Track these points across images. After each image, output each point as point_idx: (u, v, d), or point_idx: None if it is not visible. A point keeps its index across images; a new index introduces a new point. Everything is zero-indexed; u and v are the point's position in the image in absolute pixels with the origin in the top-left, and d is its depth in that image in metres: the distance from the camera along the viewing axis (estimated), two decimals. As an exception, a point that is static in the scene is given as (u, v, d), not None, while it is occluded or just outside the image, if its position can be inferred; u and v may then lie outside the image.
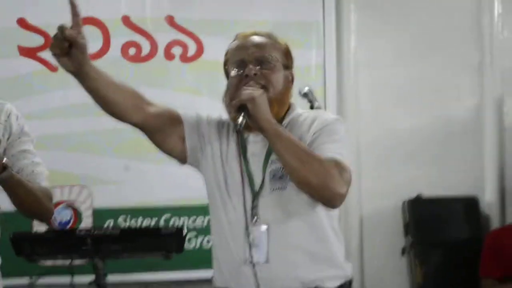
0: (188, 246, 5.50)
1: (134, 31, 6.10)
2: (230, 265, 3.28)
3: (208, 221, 5.83)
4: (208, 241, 5.97)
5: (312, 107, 4.56)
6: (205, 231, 6.00)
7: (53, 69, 5.86)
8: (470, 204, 6.49)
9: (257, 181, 3.26)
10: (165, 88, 6.04)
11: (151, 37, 6.10)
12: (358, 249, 6.19)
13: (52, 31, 5.93)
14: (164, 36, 6.12)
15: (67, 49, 3.08)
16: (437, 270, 6.19)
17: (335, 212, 3.32)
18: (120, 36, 6.07)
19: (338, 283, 3.27)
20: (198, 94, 6.09)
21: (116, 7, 6.08)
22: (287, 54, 3.41)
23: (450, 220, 6.41)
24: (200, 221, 5.95)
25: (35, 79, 5.77)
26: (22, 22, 5.91)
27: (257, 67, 3.25)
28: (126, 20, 6.08)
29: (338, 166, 3.12)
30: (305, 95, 4.61)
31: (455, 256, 6.29)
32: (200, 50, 6.16)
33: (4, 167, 3.34)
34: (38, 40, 5.92)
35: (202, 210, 5.80)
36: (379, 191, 6.26)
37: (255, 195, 3.25)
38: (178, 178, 5.79)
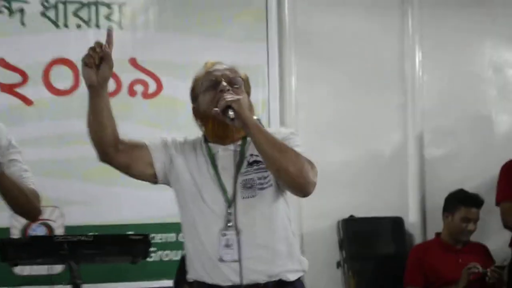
0: (149, 259, 5.44)
1: (101, 71, 6.09)
2: (205, 262, 3.31)
3: (166, 238, 5.97)
4: (166, 255, 6.00)
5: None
6: (164, 246, 5.99)
7: (29, 103, 5.89)
8: (396, 223, 6.56)
9: (229, 191, 3.28)
10: (128, 121, 5.87)
11: (116, 76, 5.96)
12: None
13: (29, 70, 6.00)
14: (127, 75, 6.07)
15: (98, 62, 3.14)
16: (368, 280, 6.26)
17: (292, 216, 3.40)
18: (88, 75, 6.05)
19: (298, 275, 3.34)
20: (157, 126, 6.04)
21: (85, 50, 6.03)
22: (246, 83, 3.45)
23: (379, 237, 6.49)
24: (158, 237, 5.91)
25: (12, 112, 5.73)
26: (1, 62, 5.88)
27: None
28: (95, 61, 6.08)
29: (308, 160, 3.19)
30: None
31: (384, 268, 6.34)
32: (159, 88, 6.16)
33: None
34: (17, 78, 5.90)
35: (161, 228, 5.91)
36: (318, 212, 6.17)
37: (230, 203, 3.27)
38: (140, 199, 5.85)
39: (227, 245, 3.24)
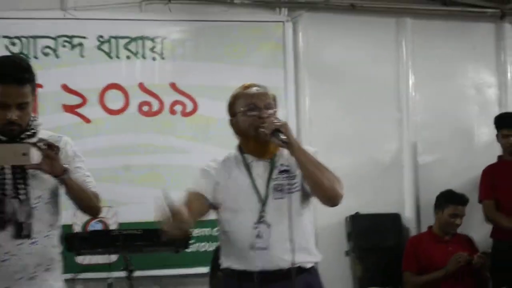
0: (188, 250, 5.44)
1: (147, 94, 6.08)
2: (238, 251, 3.33)
3: (202, 232, 5.94)
4: (202, 246, 6.01)
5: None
6: (200, 238, 5.97)
7: (87, 121, 5.94)
8: (394, 219, 6.51)
9: (262, 193, 3.32)
10: (170, 136, 6.08)
11: (160, 98, 6.08)
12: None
13: (87, 94, 5.99)
14: (168, 97, 6.10)
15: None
16: (372, 267, 6.23)
17: (312, 218, 3.43)
18: (136, 97, 6.05)
19: (312, 264, 3.37)
20: (194, 140, 6.09)
21: (134, 76, 6.08)
22: (275, 102, 3.45)
23: (380, 230, 6.42)
24: (196, 231, 5.81)
25: (74, 128, 5.69)
26: (64, 87, 5.90)
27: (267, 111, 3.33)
28: (141, 86, 6.06)
29: (337, 177, 3.26)
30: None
31: (384, 257, 6.28)
32: (195, 108, 6.13)
33: (65, 170, 3.34)
34: (77, 100, 5.93)
35: (198, 223, 5.75)
36: (329, 210, 6.06)
37: (263, 202, 3.31)
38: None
39: (258, 236, 3.27)
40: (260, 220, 3.29)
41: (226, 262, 3.42)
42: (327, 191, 3.22)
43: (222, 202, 3.39)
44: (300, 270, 3.30)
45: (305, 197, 3.37)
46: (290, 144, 3.19)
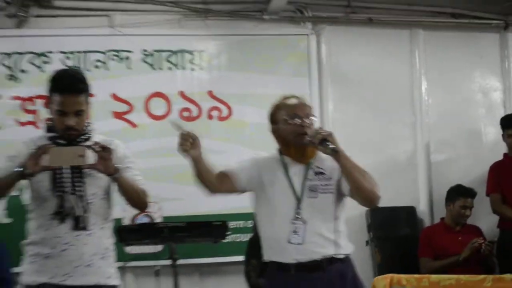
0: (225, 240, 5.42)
1: (187, 101, 6.11)
2: (276, 244, 3.35)
3: (237, 224, 5.98)
4: (238, 237, 6.01)
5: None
6: (236, 230, 5.98)
7: (134, 126, 5.98)
8: (410, 212, 6.48)
9: (298, 192, 3.34)
10: (207, 138, 5.70)
11: (198, 105, 6.12)
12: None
13: (133, 102, 6.06)
14: (206, 104, 6.13)
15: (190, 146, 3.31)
16: (390, 255, 6.17)
17: (344, 215, 3.45)
18: (177, 104, 6.08)
19: (343, 256, 3.36)
20: (229, 141, 6.09)
21: (175, 86, 6.11)
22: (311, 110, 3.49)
23: (398, 222, 6.40)
24: (232, 224, 5.74)
25: (122, 132, 5.72)
26: (114, 96, 5.97)
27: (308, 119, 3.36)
28: (182, 94, 6.10)
29: (375, 180, 3.31)
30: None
31: (401, 246, 6.24)
32: (230, 113, 6.16)
33: (117, 170, 3.38)
34: (125, 107, 5.99)
35: (234, 217, 5.86)
36: (352, 203, 6.11)
37: (299, 201, 3.33)
38: (223, 197, 5.91)
39: (295, 231, 3.28)
40: (297, 217, 3.30)
41: (267, 255, 3.44)
42: (369, 194, 3.26)
43: (261, 194, 3.42)
44: (333, 261, 3.30)
45: (339, 197, 3.38)
46: (337, 153, 3.18)
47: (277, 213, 3.36)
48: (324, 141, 3.19)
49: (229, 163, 6.24)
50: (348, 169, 3.21)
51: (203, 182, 3.40)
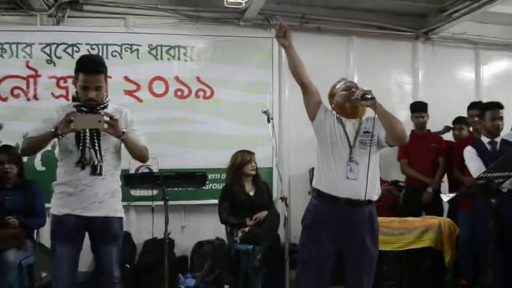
0: (205, 187, 5.40)
1: (180, 84, 6.03)
2: (333, 180, 3.25)
3: (214, 176, 5.87)
4: (214, 186, 5.94)
5: (268, 120, 4.58)
6: (212, 180, 5.90)
7: (140, 101, 5.89)
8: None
9: (352, 142, 3.29)
10: (195, 112, 6.02)
11: (188, 87, 6.04)
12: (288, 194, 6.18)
13: (140, 83, 5.95)
14: (194, 86, 6.05)
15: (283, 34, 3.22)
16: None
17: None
18: (173, 86, 6.01)
19: (376, 198, 3.33)
20: (210, 115, 6.03)
21: (172, 72, 6.02)
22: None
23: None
24: (210, 176, 5.72)
25: (131, 106, 5.41)
26: (126, 78, 5.89)
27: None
28: (177, 78, 6.02)
29: (403, 124, 3.22)
30: (264, 112, 4.65)
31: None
32: (212, 94, 6.08)
33: (123, 132, 3.39)
34: (134, 87, 5.90)
35: (211, 170, 5.78)
36: (299, 164, 6.21)
37: (351, 148, 3.27)
38: (202, 156, 5.91)
39: (351, 170, 3.23)
40: (351, 159, 3.24)
41: (318, 185, 3.33)
42: (401, 133, 3.16)
43: (324, 137, 3.32)
44: (368, 202, 3.26)
45: (379, 148, 3.32)
46: (374, 100, 3.12)
47: (336, 155, 3.27)
48: (365, 95, 3.15)
49: (210, 131, 6.23)
50: (383, 113, 3.14)
51: (293, 68, 3.30)
